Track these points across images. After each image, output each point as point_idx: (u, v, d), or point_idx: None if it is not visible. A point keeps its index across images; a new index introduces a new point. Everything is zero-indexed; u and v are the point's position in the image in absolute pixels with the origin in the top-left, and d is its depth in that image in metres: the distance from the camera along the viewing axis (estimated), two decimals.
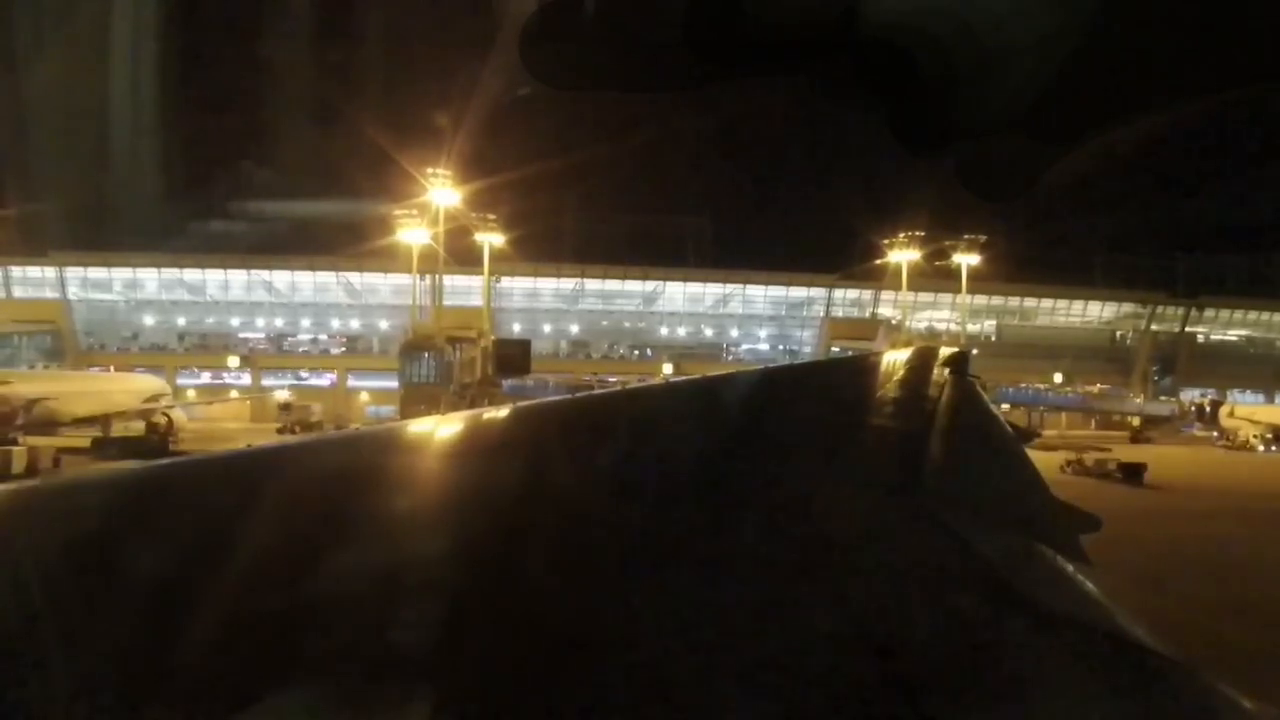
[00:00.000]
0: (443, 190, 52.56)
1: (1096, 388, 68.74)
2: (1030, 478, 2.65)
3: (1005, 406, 59.52)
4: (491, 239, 58.00)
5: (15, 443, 35.98)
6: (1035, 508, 2.30)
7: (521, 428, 2.85)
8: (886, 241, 65.98)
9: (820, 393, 3.92)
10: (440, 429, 2.95)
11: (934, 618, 1.28)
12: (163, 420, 43.82)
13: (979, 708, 1.04)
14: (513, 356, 47.06)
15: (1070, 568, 1.65)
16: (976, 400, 3.73)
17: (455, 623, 1.20)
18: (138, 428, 43.05)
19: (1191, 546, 19.48)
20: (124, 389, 47.87)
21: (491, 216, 56.71)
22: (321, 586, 1.30)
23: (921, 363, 4.60)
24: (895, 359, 5.31)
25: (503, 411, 4.40)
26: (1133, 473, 35.81)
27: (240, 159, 69.48)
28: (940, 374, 4.03)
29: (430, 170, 51.36)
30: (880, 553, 1.59)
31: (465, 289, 63.05)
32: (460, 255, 57.44)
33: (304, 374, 69.89)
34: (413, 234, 55.74)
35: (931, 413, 2.98)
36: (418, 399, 47.97)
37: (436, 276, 57.48)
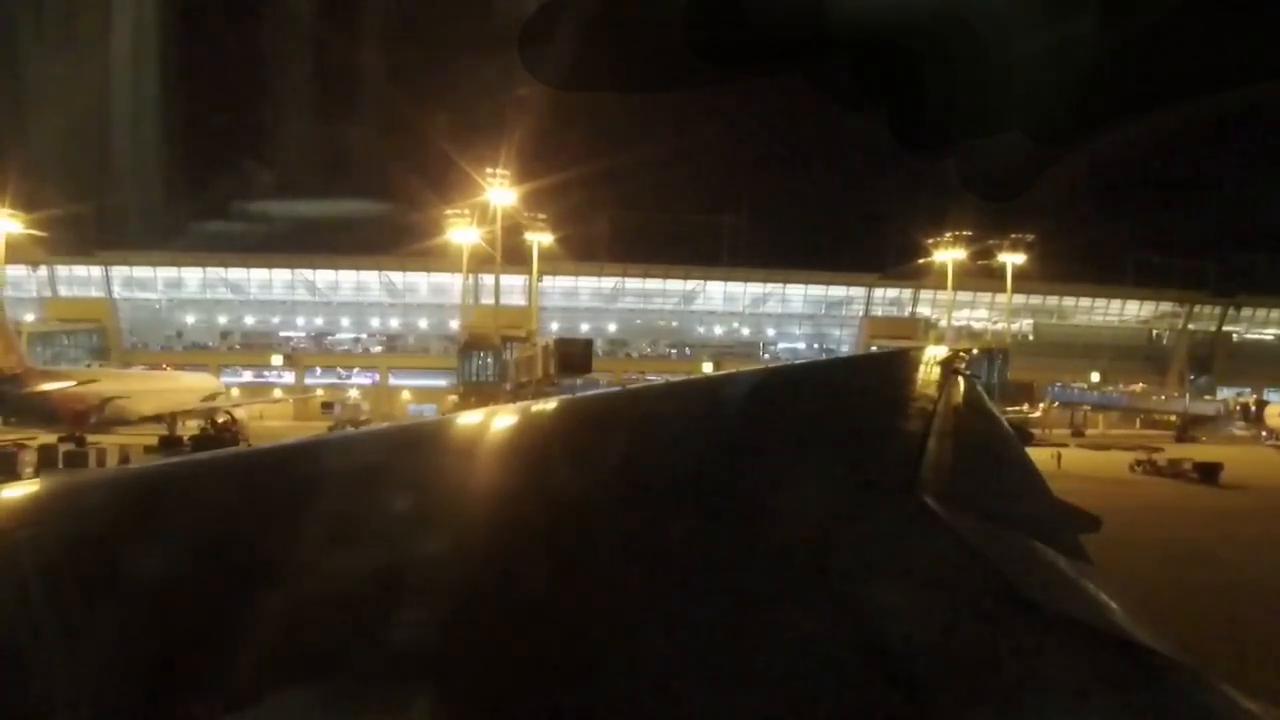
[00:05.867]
0: (494, 190, 52.71)
1: (1138, 387, 68.62)
2: (1031, 478, 2.63)
3: (1042, 405, 59.68)
4: (539, 239, 58.11)
5: (83, 441, 36.27)
6: (1036, 507, 2.30)
7: (523, 427, 2.86)
8: (930, 241, 66.04)
9: (823, 392, 3.90)
10: (439, 429, 2.92)
11: (935, 618, 1.28)
12: (228, 419, 44.05)
13: (981, 708, 1.03)
14: (574, 356, 47.19)
15: (1071, 568, 1.65)
16: (978, 400, 3.74)
17: (455, 622, 1.20)
18: (197, 426, 43.24)
19: None
20: (185, 388, 48.29)
21: (542, 216, 56.86)
22: (321, 586, 1.30)
23: (924, 363, 4.61)
24: (898, 358, 5.33)
25: (503, 411, 4.30)
26: (1208, 473, 34.71)
27: (273, 159, 69.73)
28: (942, 374, 4.06)
29: (489, 170, 51.62)
30: (881, 553, 1.59)
31: (506, 288, 63.26)
32: (503, 255, 57.57)
33: (345, 372, 70.07)
34: (460, 234, 55.82)
35: (932, 412, 2.97)
36: (475, 397, 48.13)
37: (492, 277, 57.68)
